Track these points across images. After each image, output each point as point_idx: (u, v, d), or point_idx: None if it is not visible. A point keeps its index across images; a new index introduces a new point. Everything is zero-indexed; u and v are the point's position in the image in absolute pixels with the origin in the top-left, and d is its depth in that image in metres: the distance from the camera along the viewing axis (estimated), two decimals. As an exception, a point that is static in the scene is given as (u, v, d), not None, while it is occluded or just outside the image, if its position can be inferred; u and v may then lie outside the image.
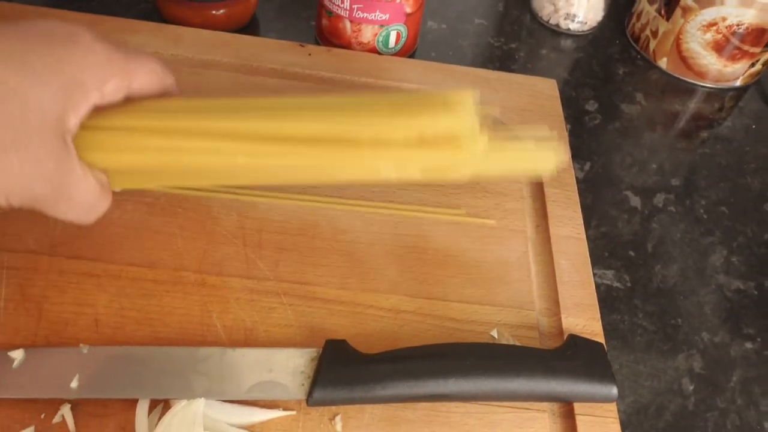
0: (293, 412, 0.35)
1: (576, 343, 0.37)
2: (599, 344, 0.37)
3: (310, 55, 0.55)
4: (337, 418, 0.35)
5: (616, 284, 0.47)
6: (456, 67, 0.56)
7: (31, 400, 0.33)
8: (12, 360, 0.34)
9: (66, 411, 0.33)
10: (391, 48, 0.58)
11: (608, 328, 0.44)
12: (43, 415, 0.33)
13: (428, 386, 0.34)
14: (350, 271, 0.41)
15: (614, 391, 0.35)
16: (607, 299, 0.46)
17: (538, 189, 0.48)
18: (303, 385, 0.34)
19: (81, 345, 0.35)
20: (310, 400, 0.34)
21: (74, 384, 0.33)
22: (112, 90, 0.32)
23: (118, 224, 0.41)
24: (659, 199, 0.53)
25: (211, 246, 0.41)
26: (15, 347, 0.34)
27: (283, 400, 0.35)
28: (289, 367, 0.35)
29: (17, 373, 0.33)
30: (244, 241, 0.41)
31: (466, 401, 0.36)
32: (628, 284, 0.47)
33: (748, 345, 0.45)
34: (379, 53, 0.58)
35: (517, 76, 0.56)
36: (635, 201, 0.53)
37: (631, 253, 0.49)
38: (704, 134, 0.61)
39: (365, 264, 0.41)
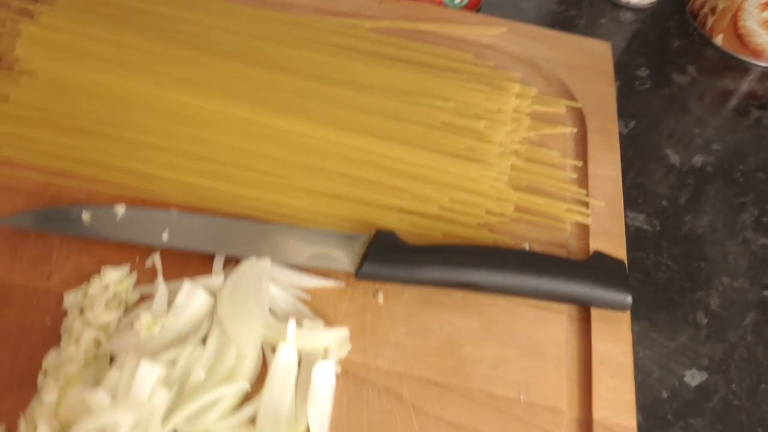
0: (343, 284, 0.40)
1: (600, 258, 0.41)
2: (621, 261, 0.41)
3: (380, 2, 0.60)
4: (380, 294, 0.40)
5: (645, 227, 0.50)
6: (517, 23, 0.60)
7: (129, 245, 0.40)
8: (116, 213, 0.40)
9: (156, 258, 0.40)
10: (457, 3, 0.63)
11: (633, 262, 0.47)
12: (137, 259, 0.40)
13: (463, 275, 0.39)
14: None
15: (629, 299, 0.39)
16: (635, 238, 0.49)
17: (581, 133, 0.51)
18: (354, 261, 0.40)
19: (172, 209, 0.41)
20: (359, 273, 0.39)
21: (165, 236, 0.40)
22: None
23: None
24: (698, 159, 0.56)
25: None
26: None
27: (336, 271, 0.40)
28: (344, 245, 0.40)
29: (120, 223, 0.40)
30: (312, 147, 0.47)
31: (495, 293, 0.40)
32: (658, 228, 0.50)
33: (767, 293, 0.47)
34: (445, 6, 0.62)
35: (573, 36, 0.60)
36: (674, 159, 0.56)
37: (664, 203, 0.52)
38: (753, 111, 0.63)
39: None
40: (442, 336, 0.39)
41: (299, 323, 0.37)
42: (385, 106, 0.48)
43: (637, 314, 0.45)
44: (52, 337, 0.36)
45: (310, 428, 0.34)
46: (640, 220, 0.51)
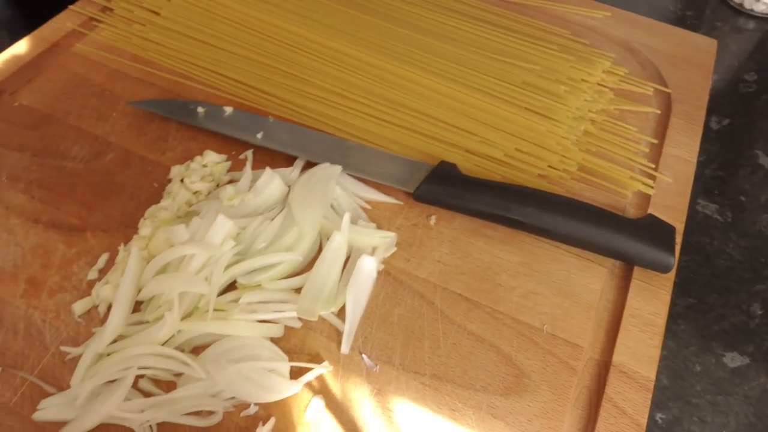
0: (401, 203, 0.44)
1: (652, 219, 0.42)
2: (671, 226, 0.42)
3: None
4: (433, 217, 0.44)
5: (716, 216, 0.50)
6: (624, 11, 0.61)
7: (230, 139, 0.47)
8: (224, 111, 0.47)
9: (249, 153, 0.46)
10: (569, -11, 0.65)
11: (693, 245, 0.47)
12: (234, 152, 0.47)
13: (512, 210, 0.42)
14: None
15: (671, 260, 0.40)
16: (702, 225, 0.49)
17: (664, 116, 0.52)
18: (415, 183, 0.44)
19: (269, 117, 0.48)
20: (417, 192, 0.43)
21: (259, 136, 0.46)
22: None
23: (314, 54, 0.53)
24: (791, 165, 0.54)
25: (376, 84, 0.52)
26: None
27: (397, 190, 0.44)
28: (409, 169, 0.45)
29: (226, 120, 0.47)
30: (400, 88, 0.52)
31: (542, 236, 0.43)
32: (729, 220, 0.50)
33: (837, 301, 0.45)
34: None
35: (678, 29, 0.60)
36: (764, 160, 0.54)
37: (742, 198, 0.51)
38: None
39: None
40: (481, 262, 0.42)
41: (354, 222, 0.42)
42: (474, 60, 0.52)
43: (686, 291, 0.45)
44: (156, 198, 0.43)
45: (346, 308, 0.38)
46: (711, 209, 0.50)
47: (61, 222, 0.42)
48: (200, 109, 0.47)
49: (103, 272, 0.40)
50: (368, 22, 0.54)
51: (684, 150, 0.49)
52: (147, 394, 0.35)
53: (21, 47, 0.53)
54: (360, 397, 0.36)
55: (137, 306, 0.38)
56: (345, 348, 0.37)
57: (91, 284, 0.39)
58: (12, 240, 0.41)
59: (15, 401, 0.34)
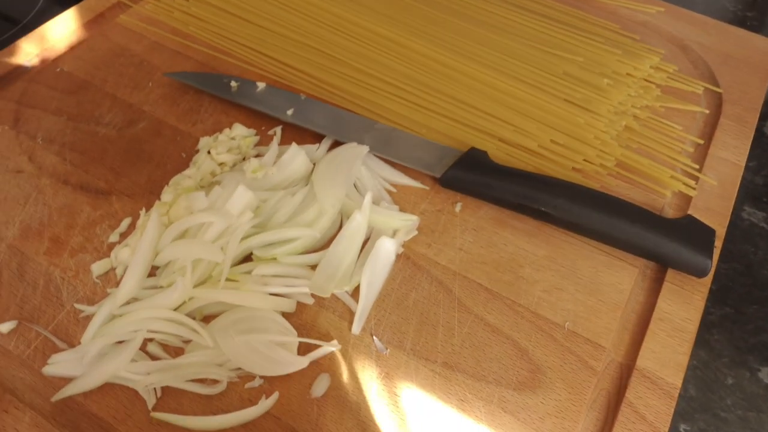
0: (427, 188, 0.43)
1: (691, 220, 0.39)
2: (711, 229, 0.39)
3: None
4: (458, 204, 0.42)
5: (762, 224, 0.47)
6: (679, 8, 0.58)
7: (260, 115, 0.47)
8: (257, 87, 0.47)
9: (278, 130, 0.46)
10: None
11: (736, 253, 0.45)
12: (263, 128, 0.46)
13: (539, 200, 0.40)
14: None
15: (708, 263, 0.37)
16: (747, 233, 0.46)
17: (713, 117, 0.49)
18: (443, 168, 0.42)
19: (301, 94, 0.47)
20: (444, 176, 0.42)
21: (289, 112, 0.46)
22: None
23: (351, 36, 0.53)
24: None
25: (411, 68, 0.51)
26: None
27: (424, 174, 0.43)
28: (438, 154, 0.43)
29: (258, 95, 0.47)
30: (436, 73, 0.50)
31: (568, 229, 0.41)
32: (777, 230, 0.47)
33: None
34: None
35: (736, 28, 0.57)
36: (821, 170, 0.51)
37: (794, 208, 0.48)
38: None
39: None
40: (505, 252, 0.40)
41: (377, 203, 0.41)
42: (513, 48, 0.50)
43: (723, 300, 0.42)
44: (183, 168, 0.44)
45: (361, 289, 0.37)
46: (758, 216, 0.47)
47: (89, 185, 0.43)
48: (233, 84, 0.47)
49: (124, 236, 0.40)
50: (407, 5, 0.53)
51: (732, 152, 0.47)
52: (155, 358, 0.35)
53: (68, 16, 0.54)
54: (367, 379, 0.35)
55: (154, 271, 0.38)
56: (356, 328, 0.36)
57: (112, 247, 0.39)
58: (41, 199, 0.42)
59: (28, 354, 0.35)
